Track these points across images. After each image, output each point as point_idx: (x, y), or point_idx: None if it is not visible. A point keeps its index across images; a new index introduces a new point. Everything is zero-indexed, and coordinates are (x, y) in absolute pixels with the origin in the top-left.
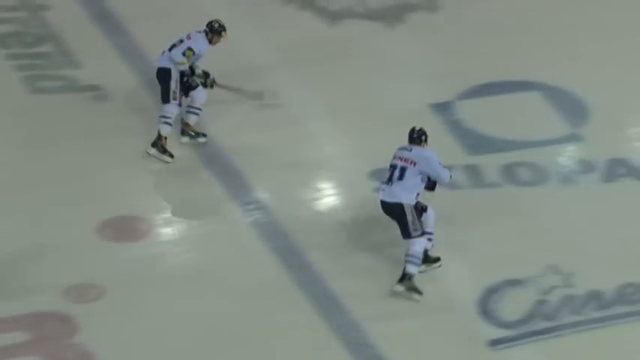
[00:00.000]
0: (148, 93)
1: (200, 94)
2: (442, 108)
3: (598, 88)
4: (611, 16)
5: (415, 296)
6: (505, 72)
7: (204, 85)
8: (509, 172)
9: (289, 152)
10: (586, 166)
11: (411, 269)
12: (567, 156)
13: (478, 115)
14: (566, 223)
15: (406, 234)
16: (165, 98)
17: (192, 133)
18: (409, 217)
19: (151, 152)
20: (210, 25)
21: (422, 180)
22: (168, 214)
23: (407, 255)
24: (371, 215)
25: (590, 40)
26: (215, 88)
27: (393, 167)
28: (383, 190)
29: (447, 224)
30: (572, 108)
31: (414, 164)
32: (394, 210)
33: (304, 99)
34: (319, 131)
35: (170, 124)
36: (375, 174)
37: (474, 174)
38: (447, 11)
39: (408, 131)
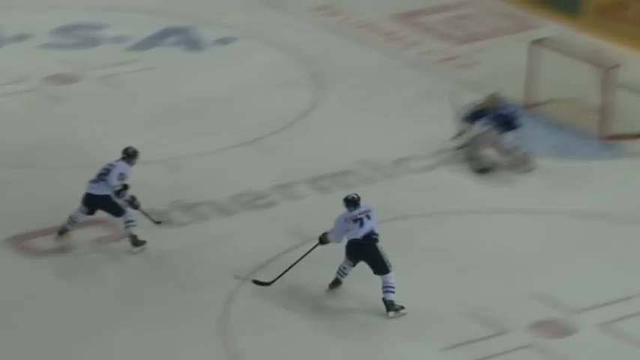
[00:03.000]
0: None
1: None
2: None
3: None
4: None
5: (402, 311)
6: None
7: (132, 206)
8: None
9: None
10: None
11: (392, 297)
12: None
13: None
14: None
15: (383, 269)
16: (120, 212)
17: (142, 241)
18: (383, 253)
19: (136, 251)
20: (126, 151)
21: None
22: None
23: (385, 286)
24: None
25: None
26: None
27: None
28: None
29: None
30: None
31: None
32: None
33: None
34: None
35: (136, 225)
36: None
37: None
38: None
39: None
